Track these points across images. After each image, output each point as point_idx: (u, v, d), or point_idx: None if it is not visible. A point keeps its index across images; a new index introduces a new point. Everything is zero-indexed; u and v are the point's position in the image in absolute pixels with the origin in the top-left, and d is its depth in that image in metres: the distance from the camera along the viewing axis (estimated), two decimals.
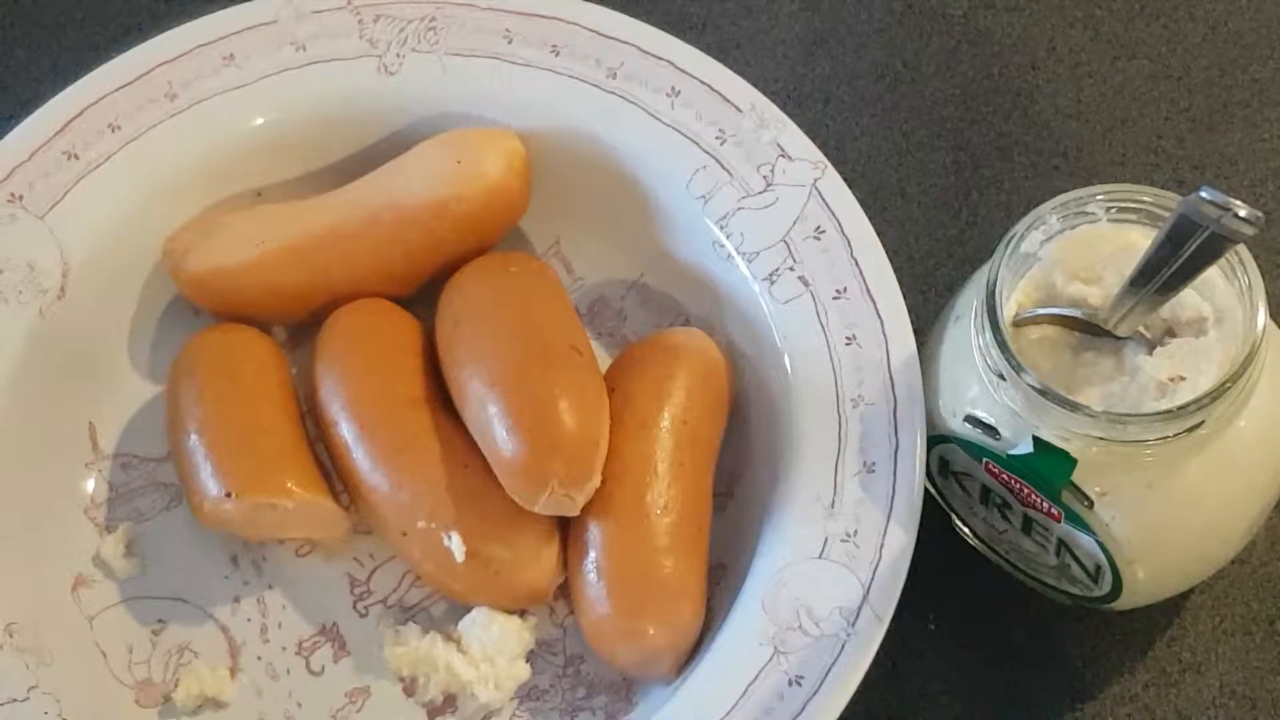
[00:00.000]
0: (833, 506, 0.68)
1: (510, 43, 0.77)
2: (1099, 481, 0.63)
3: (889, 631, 0.65)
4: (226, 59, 0.78)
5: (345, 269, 0.75)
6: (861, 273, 0.71)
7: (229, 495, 0.70)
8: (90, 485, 0.76)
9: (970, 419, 0.65)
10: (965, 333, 0.65)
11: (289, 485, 0.71)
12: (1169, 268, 0.60)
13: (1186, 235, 0.59)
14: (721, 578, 0.71)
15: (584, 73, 0.76)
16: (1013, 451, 0.64)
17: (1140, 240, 0.64)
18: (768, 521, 0.69)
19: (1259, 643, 0.72)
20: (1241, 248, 0.61)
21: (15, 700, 0.68)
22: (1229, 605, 0.72)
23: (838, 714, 0.65)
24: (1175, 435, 0.61)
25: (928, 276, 0.80)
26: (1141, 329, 0.64)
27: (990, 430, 0.64)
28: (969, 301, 0.67)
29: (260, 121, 0.77)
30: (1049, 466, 0.63)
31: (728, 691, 0.66)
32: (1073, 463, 0.62)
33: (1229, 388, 0.60)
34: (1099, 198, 0.65)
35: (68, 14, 0.90)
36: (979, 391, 0.65)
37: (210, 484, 0.71)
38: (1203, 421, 0.61)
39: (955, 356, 0.67)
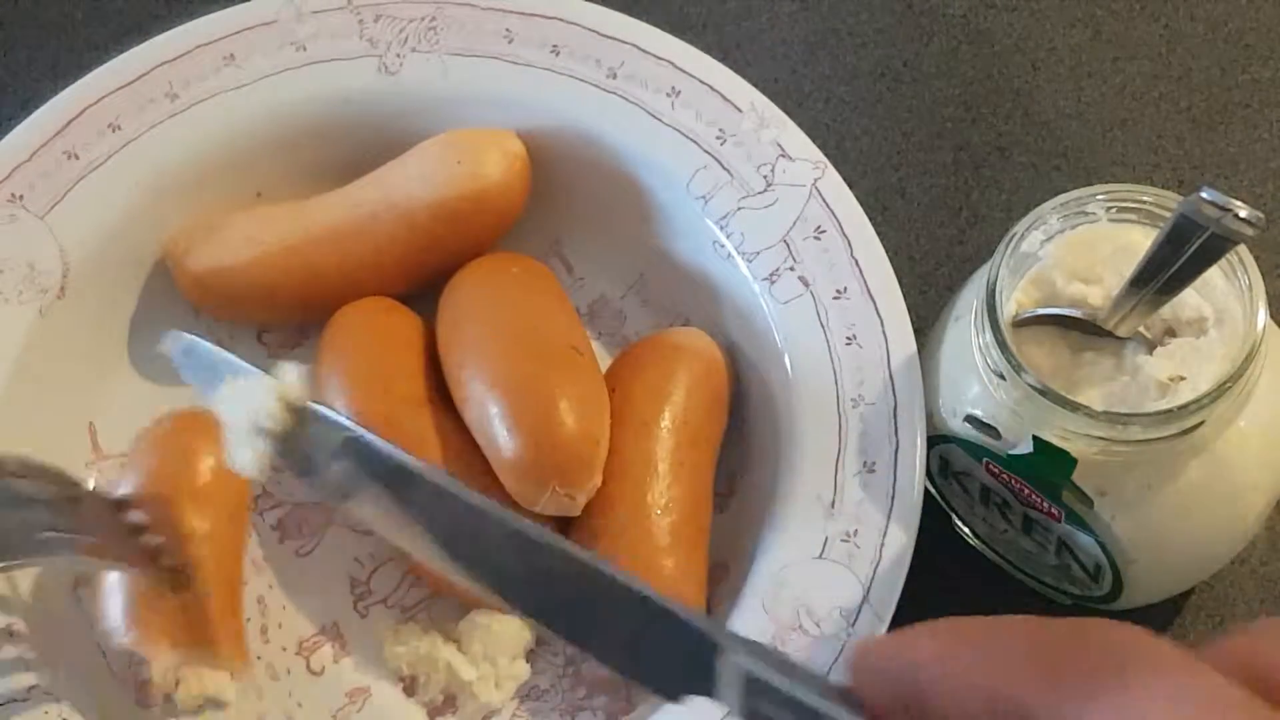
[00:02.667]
0: (833, 506, 0.68)
1: (510, 43, 0.77)
2: (1099, 481, 0.63)
3: (889, 631, 0.65)
4: (226, 59, 0.78)
5: (345, 269, 0.75)
6: (861, 273, 0.71)
7: None
8: (90, 485, 0.76)
9: (970, 419, 0.65)
10: (965, 333, 0.65)
11: None
12: (1169, 269, 0.60)
13: (1187, 236, 0.59)
14: (721, 578, 0.71)
15: (584, 73, 0.76)
16: (1013, 451, 0.64)
17: (1141, 240, 0.64)
18: (768, 521, 0.69)
19: None
20: (1241, 248, 0.61)
21: (15, 700, 0.68)
22: (1229, 605, 0.72)
23: None
24: (1176, 435, 0.61)
25: (928, 276, 0.80)
26: (1142, 329, 0.64)
27: (990, 430, 0.64)
28: (969, 301, 0.67)
29: (260, 121, 0.77)
30: (1049, 466, 0.63)
31: None
32: (1073, 462, 0.62)
33: (1229, 387, 0.60)
34: (1099, 197, 0.64)
35: (68, 14, 0.90)
36: (979, 391, 0.65)
37: None
38: (1203, 421, 0.61)
39: (955, 356, 0.67)
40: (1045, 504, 0.64)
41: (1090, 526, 0.64)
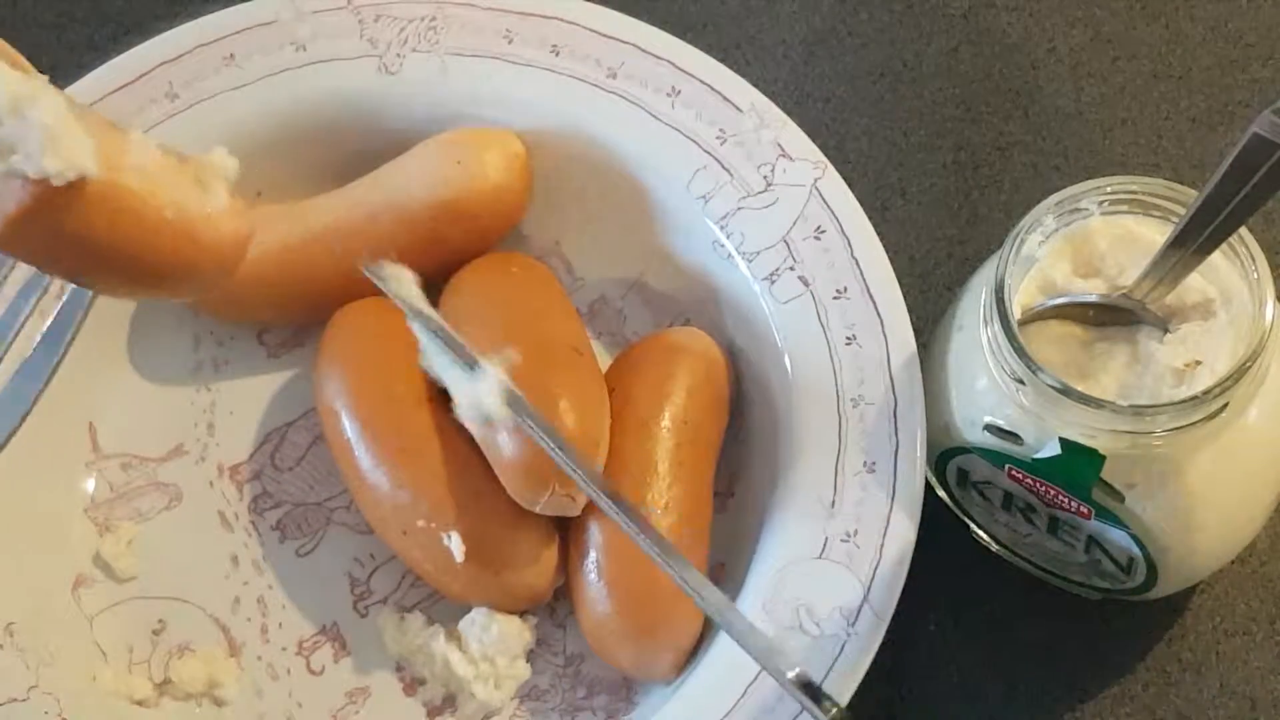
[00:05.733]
0: (833, 506, 0.68)
1: (510, 43, 0.77)
2: (1127, 474, 0.63)
3: (889, 631, 0.65)
4: (226, 59, 0.78)
5: (345, 269, 0.75)
6: (861, 272, 0.71)
7: None
8: (90, 485, 0.76)
9: (990, 428, 0.65)
10: (971, 341, 0.65)
11: None
12: (1229, 204, 0.59)
13: (1259, 157, 0.57)
14: (721, 578, 0.71)
15: (584, 73, 0.76)
16: (1038, 455, 0.63)
17: (1135, 228, 0.64)
18: (768, 521, 0.69)
19: (1259, 643, 0.72)
20: (1248, 235, 0.62)
21: (15, 700, 0.68)
22: (1229, 605, 0.72)
23: None
24: (1203, 420, 0.61)
25: (928, 276, 0.80)
26: (1154, 309, 0.64)
27: (1012, 437, 0.64)
28: (970, 309, 0.67)
29: (260, 121, 0.77)
30: (1078, 465, 0.62)
31: (728, 691, 0.66)
32: (1101, 459, 0.62)
33: (1249, 367, 0.60)
34: (1091, 193, 0.65)
35: (68, 14, 0.90)
36: (996, 399, 0.64)
37: None
38: (1228, 404, 0.61)
39: (965, 365, 0.67)
40: (1074, 504, 0.64)
41: (1122, 520, 0.64)
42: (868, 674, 0.65)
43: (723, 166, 0.74)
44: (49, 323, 0.70)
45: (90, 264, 0.57)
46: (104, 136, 0.56)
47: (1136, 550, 0.65)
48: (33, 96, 0.53)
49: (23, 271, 0.70)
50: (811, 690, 0.60)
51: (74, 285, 0.66)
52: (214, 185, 0.60)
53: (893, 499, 0.67)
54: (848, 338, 0.70)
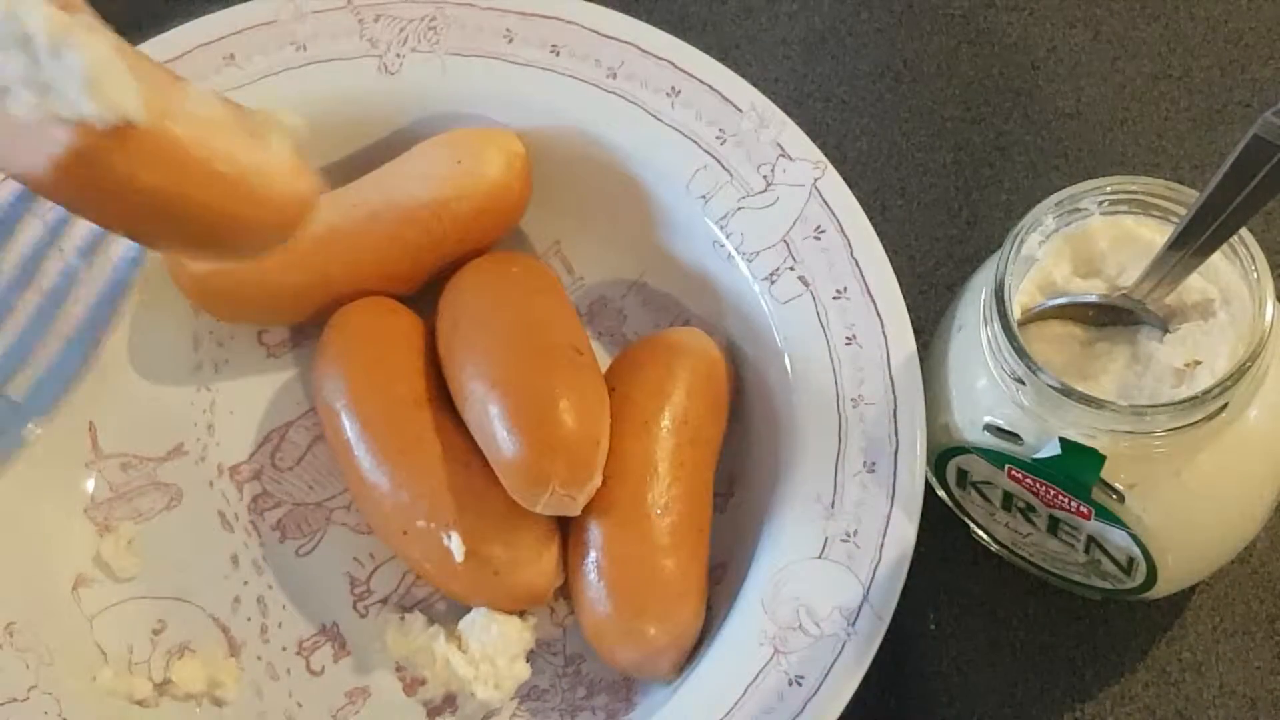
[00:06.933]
0: (833, 506, 0.68)
1: (510, 43, 0.77)
2: (1127, 474, 0.63)
3: (889, 631, 0.65)
4: (226, 59, 0.78)
5: (345, 269, 0.75)
6: (861, 273, 0.71)
7: None
8: (90, 485, 0.76)
9: (990, 427, 0.65)
10: (971, 342, 0.65)
11: None
12: (1229, 206, 0.59)
13: (1259, 160, 0.58)
14: (721, 578, 0.71)
15: (584, 73, 0.76)
16: (1038, 455, 0.63)
17: (1135, 228, 0.64)
18: (768, 521, 0.69)
19: (1259, 643, 0.72)
20: (1249, 236, 0.62)
21: (15, 700, 0.68)
22: (1229, 605, 0.72)
23: (838, 714, 0.65)
24: (1203, 420, 0.61)
25: (928, 276, 0.80)
26: (1156, 310, 0.64)
27: (1012, 437, 0.64)
28: (969, 309, 0.67)
29: None
30: (1078, 465, 0.62)
31: (728, 691, 0.66)
32: (1101, 459, 0.62)
33: (1249, 367, 0.60)
34: (1091, 193, 0.65)
35: None
36: (996, 399, 0.64)
37: None
38: (1228, 404, 0.61)
39: (964, 366, 0.67)
40: (1074, 504, 0.64)
41: (1122, 521, 0.64)
42: (868, 674, 0.65)
43: (723, 166, 0.74)
44: (105, 281, 0.68)
45: (140, 217, 0.55)
46: (155, 83, 0.54)
47: (1136, 550, 0.65)
48: (72, 35, 0.51)
49: (82, 227, 0.70)
50: None
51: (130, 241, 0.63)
52: (275, 142, 0.57)
53: (893, 499, 0.67)
54: (848, 338, 0.70)
